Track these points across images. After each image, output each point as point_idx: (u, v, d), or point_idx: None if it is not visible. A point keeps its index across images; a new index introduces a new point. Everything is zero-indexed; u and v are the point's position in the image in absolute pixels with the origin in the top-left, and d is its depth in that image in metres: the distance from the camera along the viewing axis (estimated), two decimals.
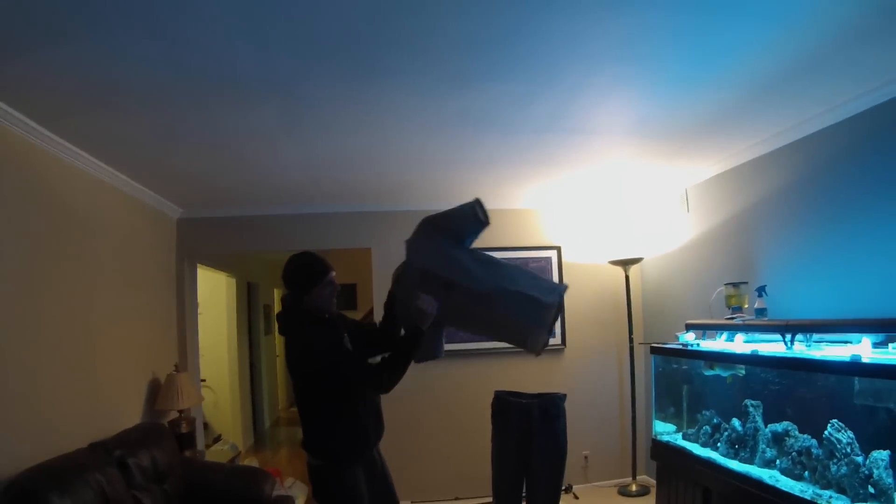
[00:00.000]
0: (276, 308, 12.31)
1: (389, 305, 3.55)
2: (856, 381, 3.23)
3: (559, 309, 3.26)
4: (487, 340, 3.61)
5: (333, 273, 3.33)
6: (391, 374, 3.21)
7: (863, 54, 3.17)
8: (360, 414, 3.33)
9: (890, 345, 3.28)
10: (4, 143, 3.51)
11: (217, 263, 8.03)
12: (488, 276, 3.23)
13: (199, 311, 6.81)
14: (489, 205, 6.16)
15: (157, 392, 5.33)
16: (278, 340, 12.68)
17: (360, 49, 2.91)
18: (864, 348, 3.25)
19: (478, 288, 3.19)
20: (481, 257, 3.36)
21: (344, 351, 3.29)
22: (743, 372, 4.31)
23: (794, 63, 3.26)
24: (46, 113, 3.54)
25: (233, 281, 9.08)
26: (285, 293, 3.40)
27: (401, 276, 3.46)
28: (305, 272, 3.28)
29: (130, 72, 3.01)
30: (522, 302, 3.16)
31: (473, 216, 3.31)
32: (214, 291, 8.71)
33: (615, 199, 6.70)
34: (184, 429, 5.37)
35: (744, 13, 2.72)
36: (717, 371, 4.49)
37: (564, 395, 3.92)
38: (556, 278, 6.68)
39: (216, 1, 2.40)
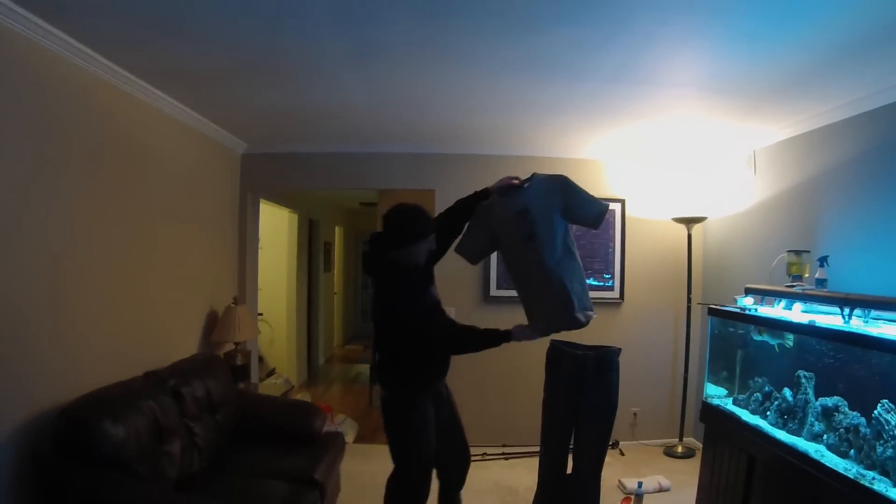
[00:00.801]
0: (337, 245, 12.57)
1: (482, 195, 3.76)
2: None
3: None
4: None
5: (432, 237, 3.44)
6: (463, 348, 3.59)
7: None
8: (429, 355, 3.61)
9: None
10: (73, 78, 3.58)
11: (280, 199, 8.08)
12: (561, 259, 3.52)
13: (260, 245, 6.90)
14: (553, 152, 6.25)
15: (214, 324, 5.47)
16: (337, 278, 12.86)
17: None
18: None
19: (546, 258, 3.49)
20: (569, 242, 3.61)
21: (431, 313, 3.54)
22: (790, 343, 4.24)
23: (875, 29, 3.13)
24: (114, 47, 3.59)
25: (295, 217, 9.14)
26: (379, 234, 3.51)
27: (511, 189, 3.67)
28: (413, 228, 3.36)
29: (198, 3, 3.00)
30: (561, 298, 3.52)
31: (594, 217, 3.62)
32: (276, 227, 8.80)
33: (682, 156, 6.56)
34: (239, 361, 5.49)
35: None
36: (766, 338, 4.43)
37: (619, 350, 3.88)
38: (618, 232, 6.63)
39: None
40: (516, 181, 3.69)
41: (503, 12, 3.11)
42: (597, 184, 6.62)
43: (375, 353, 3.70)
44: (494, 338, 3.48)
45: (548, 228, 3.54)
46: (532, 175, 3.70)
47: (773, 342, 4.34)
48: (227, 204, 6.03)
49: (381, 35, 3.42)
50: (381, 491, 3.74)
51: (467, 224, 3.81)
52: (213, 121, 5.31)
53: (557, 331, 3.68)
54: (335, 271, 12.80)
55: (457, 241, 3.84)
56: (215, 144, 5.66)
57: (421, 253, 3.44)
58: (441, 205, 6.10)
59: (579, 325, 3.57)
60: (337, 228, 12.87)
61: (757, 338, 4.45)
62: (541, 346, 3.97)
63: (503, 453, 6.16)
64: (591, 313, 3.62)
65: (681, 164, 6.64)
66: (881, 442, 3.09)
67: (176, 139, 4.85)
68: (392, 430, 3.62)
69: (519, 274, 3.75)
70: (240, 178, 6.34)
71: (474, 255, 3.86)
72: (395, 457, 3.64)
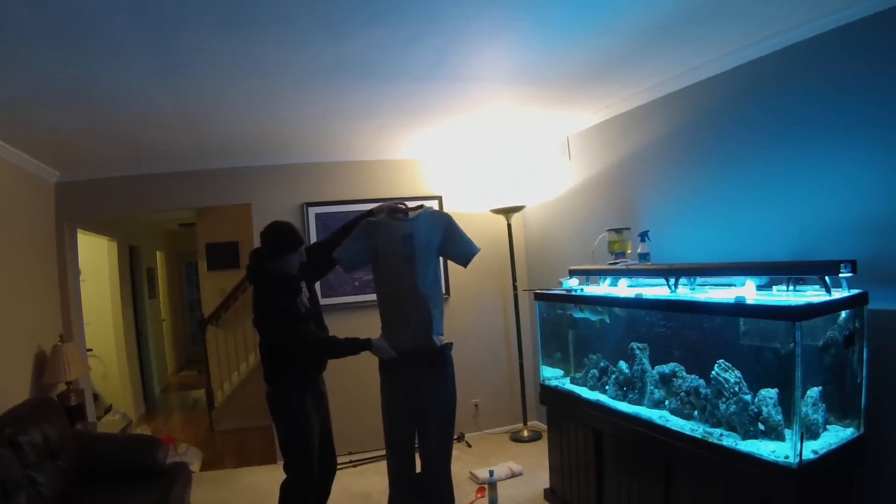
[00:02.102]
0: (160, 270, 12.21)
1: (367, 214, 4.14)
2: (742, 323, 3.37)
3: None
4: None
5: (302, 249, 3.92)
6: (325, 355, 4.12)
7: (748, 6, 3.27)
8: (293, 357, 3.96)
9: (774, 287, 3.44)
10: None
11: (97, 227, 7.75)
12: (430, 287, 3.96)
13: (82, 278, 6.56)
14: (368, 156, 6.53)
15: (43, 365, 5.15)
16: (163, 304, 12.53)
17: None
18: (748, 290, 3.39)
19: (419, 283, 3.89)
20: (438, 273, 4.11)
21: (297, 320, 3.86)
22: (608, 319, 4.50)
23: (679, 12, 3.31)
24: None
25: (114, 245, 8.79)
26: (258, 249, 3.98)
27: (397, 212, 4.07)
28: (284, 241, 3.86)
29: None
30: (425, 320, 3.92)
31: (466, 258, 4.07)
32: (96, 257, 8.42)
33: (496, 148, 6.76)
34: (73, 401, 5.22)
35: None
36: (587, 315, 4.64)
37: (451, 344, 3.99)
38: None
39: None
40: (402, 205, 4.13)
41: (308, 18, 3.09)
42: (413, 183, 6.79)
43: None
44: (355, 346, 3.89)
45: (425, 257, 3.95)
46: (421, 205, 4.08)
47: (594, 318, 4.54)
48: (43, 236, 5.69)
49: (185, 47, 3.32)
50: None
51: (351, 234, 4.09)
52: (20, 149, 4.98)
53: (415, 347, 3.91)
54: (160, 297, 12.43)
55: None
56: (25, 174, 5.32)
57: (292, 264, 3.89)
58: (257, 217, 6.12)
59: (433, 347, 3.91)
60: (158, 253, 12.47)
61: (578, 315, 4.66)
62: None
63: (350, 461, 6.16)
64: (443, 338, 4.00)
65: (496, 156, 6.86)
66: (723, 400, 3.29)
67: None
68: (276, 421, 4.02)
69: (390, 291, 4.03)
70: (55, 208, 5.99)
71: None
72: (282, 447, 4.00)
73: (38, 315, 5.34)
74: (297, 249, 3.88)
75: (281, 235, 3.88)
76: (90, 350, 6.76)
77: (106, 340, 8.39)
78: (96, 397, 6.81)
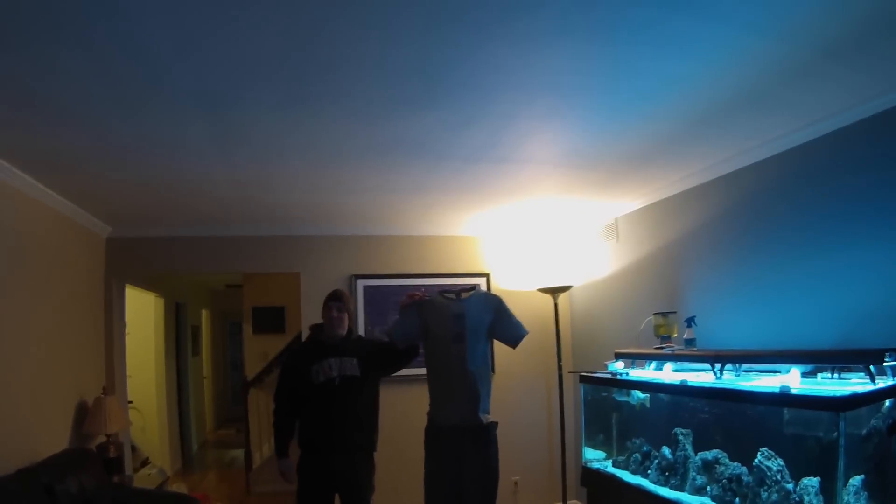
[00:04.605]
0: (205, 328, 12.39)
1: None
2: (785, 411, 3.31)
3: None
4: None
5: (331, 303, 4.26)
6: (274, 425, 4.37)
7: (795, 93, 3.27)
8: (306, 421, 4.22)
9: (819, 375, 3.38)
10: None
11: (145, 283, 7.86)
12: (479, 366, 4.09)
13: (127, 331, 6.65)
14: (419, 231, 6.51)
15: (84, 415, 5.19)
16: (205, 362, 12.56)
17: (292, 73, 2.87)
18: (792, 378, 3.33)
19: (468, 361, 4.02)
20: (488, 353, 4.31)
21: (292, 377, 4.26)
22: (647, 404, 4.51)
23: (727, 100, 3.34)
24: None
25: (161, 301, 8.91)
26: None
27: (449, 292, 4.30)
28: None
29: (58, 82, 2.87)
30: (472, 398, 4.00)
31: (515, 339, 4.28)
32: (142, 311, 8.52)
33: (545, 228, 6.76)
34: (111, 453, 5.24)
35: (678, 48, 2.75)
36: (629, 398, 4.62)
37: (496, 423, 4.00)
38: None
39: (150, 17, 2.32)
40: (417, 294, 4.33)
41: (363, 96, 3.16)
42: (461, 259, 6.82)
43: None
44: (276, 447, 4.29)
45: (475, 336, 4.08)
46: (474, 286, 4.32)
47: (634, 402, 4.50)
48: (91, 289, 5.78)
49: (242, 119, 3.42)
50: None
51: (404, 312, 4.32)
52: (75, 203, 5.10)
53: (461, 423, 3.96)
54: (203, 355, 12.50)
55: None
56: (78, 228, 5.44)
57: (326, 320, 4.25)
58: (306, 286, 6.17)
59: (479, 424, 3.97)
60: (204, 311, 12.62)
61: (620, 398, 4.65)
62: (421, 422, 4.03)
63: None
64: (489, 416, 4.05)
65: (544, 236, 6.83)
66: (765, 488, 3.22)
67: (35, 222, 4.60)
68: None
69: (439, 367, 4.13)
70: (105, 263, 6.10)
71: (403, 337, 4.28)
72: None
73: (82, 366, 5.40)
74: (326, 303, 4.26)
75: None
76: (130, 402, 6.81)
77: (147, 394, 8.45)
78: (133, 449, 6.83)
